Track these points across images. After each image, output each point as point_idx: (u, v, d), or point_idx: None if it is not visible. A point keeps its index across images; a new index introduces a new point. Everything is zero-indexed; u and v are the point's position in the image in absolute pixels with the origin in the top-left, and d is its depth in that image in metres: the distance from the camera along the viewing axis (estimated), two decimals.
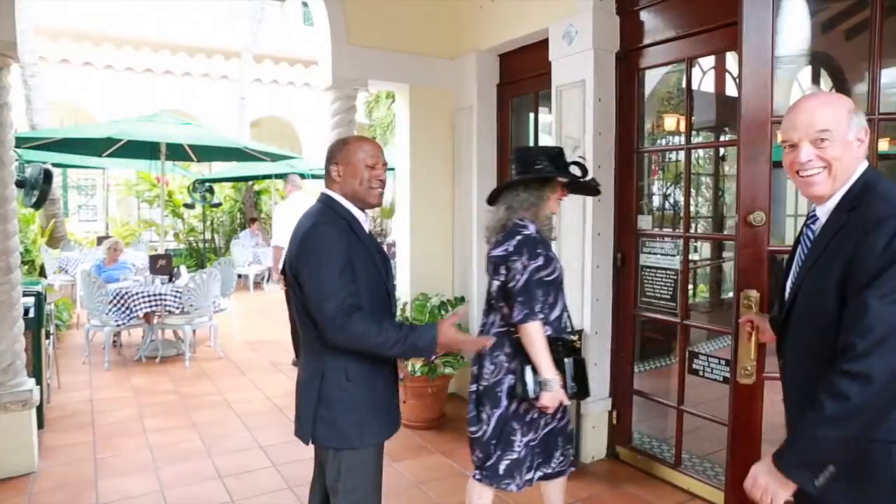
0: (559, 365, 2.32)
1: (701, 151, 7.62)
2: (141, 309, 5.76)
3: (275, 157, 7.74)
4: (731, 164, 7.77)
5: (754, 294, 2.46)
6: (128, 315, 5.71)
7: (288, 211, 5.86)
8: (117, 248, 6.99)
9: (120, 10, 12.89)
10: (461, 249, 4.79)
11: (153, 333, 6.15)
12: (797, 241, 1.65)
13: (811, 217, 1.60)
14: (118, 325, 5.76)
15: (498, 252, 2.36)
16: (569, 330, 2.51)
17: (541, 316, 2.30)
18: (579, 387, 2.41)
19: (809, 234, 1.59)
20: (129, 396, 4.92)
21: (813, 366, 1.50)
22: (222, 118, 12.97)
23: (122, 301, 5.68)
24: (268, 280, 11.24)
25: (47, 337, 4.66)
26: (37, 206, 5.65)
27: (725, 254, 7.64)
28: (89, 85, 12.41)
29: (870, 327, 1.32)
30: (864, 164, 1.52)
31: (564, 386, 2.33)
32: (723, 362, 3.02)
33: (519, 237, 2.32)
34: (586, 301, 3.59)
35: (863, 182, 1.49)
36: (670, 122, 6.93)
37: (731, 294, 7.49)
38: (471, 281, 4.67)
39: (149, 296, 5.76)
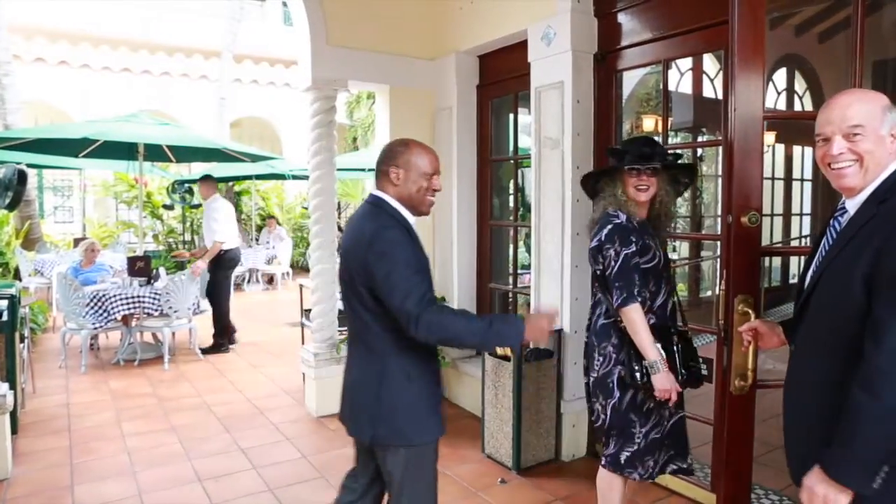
0: (668, 353, 2.36)
1: (679, 151, 7.72)
2: (119, 311, 5.69)
3: (255, 158, 7.68)
4: (708, 165, 7.89)
5: (751, 298, 2.34)
6: (105, 318, 5.63)
7: (226, 211, 6.46)
8: (94, 249, 6.89)
9: (97, 8, 12.72)
10: (441, 250, 4.80)
11: (131, 336, 6.08)
12: (822, 234, 1.64)
13: (840, 210, 1.61)
14: (95, 328, 5.67)
15: (593, 244, 2.50)
16: (678, 321, 2.57)
17: (639, 299, 2.37)
18: (692, 374, 2.42)
19: (836, 225, 1.59)
20: (106, 400, 4.86)
21: (828, 354, 1.50)
22: (202, 118, 12.86)
23: (99, 303, 5.60)
24: (247, 281, 11.16)
25: (21, 341, 4.58)
26: (11, 207, 5.57)
27: (704, 253, 7.76)
28: (65, 84, 12.22)
29: None
30: None
31: (675, 373, 2.36)
32: (699, 360, 3.05)
33: (610, 226, 2.43)
34: (565, 300, 3.62)
35: None
36: (649, 123, 7.03)
37: (709, 293, 7.61)
38: (451, 282, 4.68)
39: (127, 298, 5.69)
